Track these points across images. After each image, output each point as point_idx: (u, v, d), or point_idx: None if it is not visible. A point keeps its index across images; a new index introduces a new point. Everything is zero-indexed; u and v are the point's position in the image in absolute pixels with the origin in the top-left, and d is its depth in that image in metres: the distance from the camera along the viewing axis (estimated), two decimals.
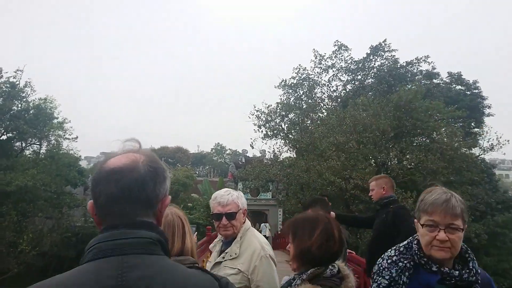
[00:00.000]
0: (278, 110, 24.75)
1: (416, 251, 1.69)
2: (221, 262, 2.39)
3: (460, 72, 28.42)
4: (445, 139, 18.19)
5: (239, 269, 2.29)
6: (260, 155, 28.65)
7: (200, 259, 7.70)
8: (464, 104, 24.38)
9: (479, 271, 1.65)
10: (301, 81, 27.75)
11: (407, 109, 18.23)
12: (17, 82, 23.05)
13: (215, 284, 0.97)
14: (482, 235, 18.17)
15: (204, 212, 27.46)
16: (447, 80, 28.65)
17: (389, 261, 1.75)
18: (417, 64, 28.83)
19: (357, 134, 17.64)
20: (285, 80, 27.46)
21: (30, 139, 24.17)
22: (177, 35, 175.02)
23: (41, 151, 25.06)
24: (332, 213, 4.00)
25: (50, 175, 21.83)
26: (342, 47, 28.93)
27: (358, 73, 29.34)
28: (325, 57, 28.72)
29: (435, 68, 28.78)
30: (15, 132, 23.11)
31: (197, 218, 26.33)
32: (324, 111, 25.34)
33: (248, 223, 2.49)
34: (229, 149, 71.86)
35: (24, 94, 23.29)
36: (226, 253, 2.40)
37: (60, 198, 23.05)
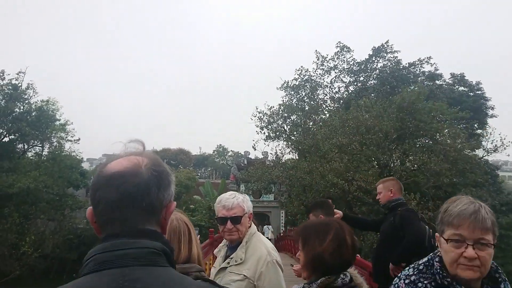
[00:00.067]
0: (280, 112, 24.75)
1: (438, 270, 1.47)
2: (226, 267, 2.32)
3: (463, 73, 28.43)
4: (448, 141, 18.10)
5: (244, 275, 2.21)
6: (262, 156, 28.64)
7: (203, 261, 7.64)
8: (467, 105, 24.29)
9: None
10: (303, 83, 27.76)
11: (410, 110, 18.16)
12: (19, 84, 23.14)
13: None
14: None
15: (206, 214, 27.43)
16: (450, 81, 28.60)
17: (406, 281, 1.54)
18: (419, 65, 28.80)
19: (359, 136, 17.56)
20: (287, 82, 27.49)
21: (32, 141, 24.24)
22: (179, 37, 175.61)
23: (43, 153, 25.14)
24: (339, 213, 3.91)
25: (52, 177, 21.87)
26: (344, 49, 28.91)
27: (360, 75, 29.30)
28: (327, 59, 28.71)
29: (437, 69, 28.77)
30: (17, 134, 23.17)
31: (199, 220, 26.32)
32: (326, 112, 25.29)
33: (254, 227, 2.42)
34: (231, 150, 72.01)
35: (26, 96, 23.38)
36: (231, 258, 2.32)
37: (62, 200, 23.08)
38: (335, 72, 28.97)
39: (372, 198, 15.15)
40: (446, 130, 18.60)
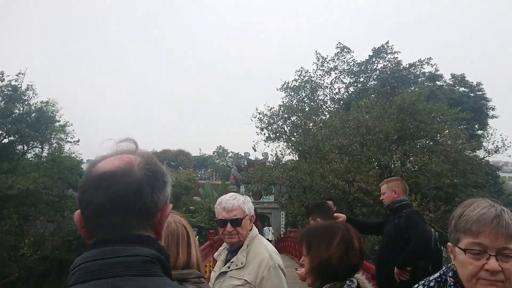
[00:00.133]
0: (280, 113, 24.71)
1: (453, 287, 1.26)
2: (227, 272, 2.25)
3: (464, 74, 28.34)
4: (449, 141, 18.03)
5: (245, 280, 2.14)
6: (262, 158, 28.58)
7: (203, 264, 7.56)
8: (468, 106, 24.23)
9: None
10: (303, 84, 27.74)
11: (411, 111, 18.11)
12: (19, 85, 23.08)
13: None
14: None
15: (206, 216, 27.37)
16: (451, 82, 28.55)
17: None
18: (420, 66, 28.73)
19: (360, 137, 17.51)
20: (287, 83, 27.46)
21: (31, 142, 24.17)
22: (178, 39, 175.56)
23: (42, 154, 25.07)
24: (343, 216, 3.78)
25: (52, 178, 21.80)
26: (345, 49, 28.89)
27: (360, 75, 29.25)
28: (327, 59, 28.68)
29: (438, 70, 28.69)
30: (17, 136, 23.10)
31: (199, 222, 26.26)
32: (326, 113, 25.26)
33: (255, 230, 2.34)
34: (231, 151, 72.05)
35: (26, 97, 23.31)
36: (232, 262, 2.25)
37: (62, 202, 23.00)
38: (335, 73, 28.97)
39: (373, 199, 15.09)
40: (447, 131, 18.54)
